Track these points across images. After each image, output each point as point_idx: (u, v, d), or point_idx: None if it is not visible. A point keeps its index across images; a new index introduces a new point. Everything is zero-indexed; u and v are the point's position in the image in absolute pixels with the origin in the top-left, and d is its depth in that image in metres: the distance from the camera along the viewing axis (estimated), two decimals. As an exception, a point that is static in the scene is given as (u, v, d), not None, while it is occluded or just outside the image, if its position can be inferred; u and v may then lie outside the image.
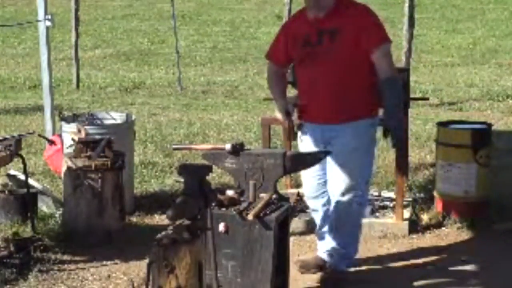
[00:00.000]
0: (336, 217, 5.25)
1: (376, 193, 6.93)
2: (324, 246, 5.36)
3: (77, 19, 13.07)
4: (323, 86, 5.09)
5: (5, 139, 5.96)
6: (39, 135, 7.31)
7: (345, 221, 5.26)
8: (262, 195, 4.42)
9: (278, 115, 5.25)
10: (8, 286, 5.27)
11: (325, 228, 5.33)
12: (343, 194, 5.17)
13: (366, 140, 5.20)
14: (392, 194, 6.72)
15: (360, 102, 5.13)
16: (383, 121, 5.14)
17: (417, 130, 9.22)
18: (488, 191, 6.56)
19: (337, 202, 5.19)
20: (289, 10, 12.33)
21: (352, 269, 5.49)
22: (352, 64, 5.06)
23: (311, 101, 5.18)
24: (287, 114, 5.17)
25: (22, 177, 6.38)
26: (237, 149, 4.56)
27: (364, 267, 5.67)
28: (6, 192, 6.52)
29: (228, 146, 4.59)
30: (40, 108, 9.59)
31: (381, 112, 5.28)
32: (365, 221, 6.35)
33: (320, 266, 5.37)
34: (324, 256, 5.36)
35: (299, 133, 5.23)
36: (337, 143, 5.09)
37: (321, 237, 5.39)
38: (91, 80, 13.59)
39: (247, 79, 13.77)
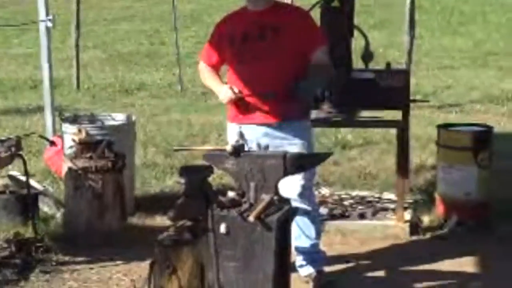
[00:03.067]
0: (300, 221, 5.15)
1: (377, 195, 6.94)
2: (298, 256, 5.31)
3: (78, 20, 13.07)
4: (267, 83, 4.93)
5: (5, 139, 5.96)
6: (40, 136, 7.29)
7: (308, 222, 5.21)
8: (263, 196, 4.41)
9: (224, 98, 5.06)
10: (9, 286, 5.27)
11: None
12: (300, 194, 5.10)
13: (310, 137, 5.17)
14: (393, 196, 6.72)
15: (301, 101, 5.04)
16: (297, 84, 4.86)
17: (418, 132, 9.21)
18: (488, 194, 6.56)
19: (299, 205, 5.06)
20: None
21: (353, 271, 5.48)
22: (293, 62, 4.96)
23: (251, 100, 5.04)
24: (231, 88, 4.99)
25: (23, 178, 6.38)
26: (238, 150, 4.55)
27: (364, 269, 5.68)
28: (7, 193, 6.53)
29: (228, 147, 4.57)
30: (40, 109, 9.58)
31: None
32: (366, 223, 6.38)
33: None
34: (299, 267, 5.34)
35: (231, 137, 4.92)
36: (284, 144, 4.98)
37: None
38: (92, 81, 13.58)
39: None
